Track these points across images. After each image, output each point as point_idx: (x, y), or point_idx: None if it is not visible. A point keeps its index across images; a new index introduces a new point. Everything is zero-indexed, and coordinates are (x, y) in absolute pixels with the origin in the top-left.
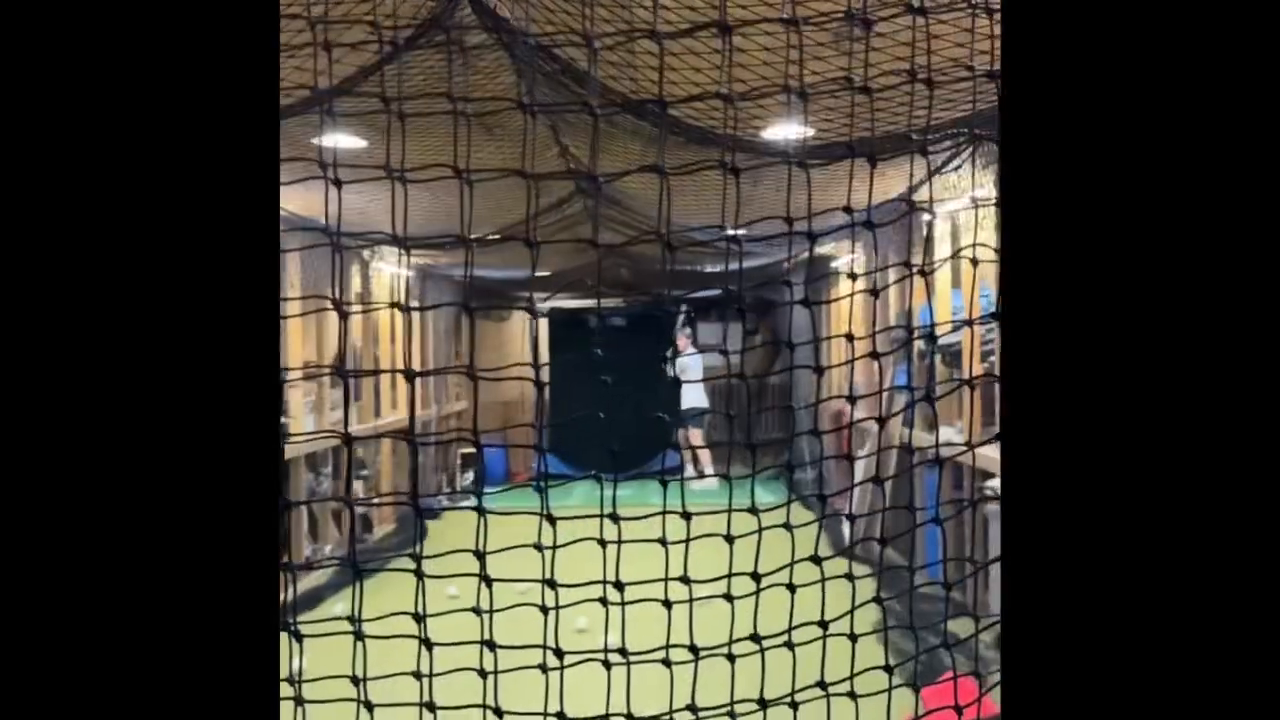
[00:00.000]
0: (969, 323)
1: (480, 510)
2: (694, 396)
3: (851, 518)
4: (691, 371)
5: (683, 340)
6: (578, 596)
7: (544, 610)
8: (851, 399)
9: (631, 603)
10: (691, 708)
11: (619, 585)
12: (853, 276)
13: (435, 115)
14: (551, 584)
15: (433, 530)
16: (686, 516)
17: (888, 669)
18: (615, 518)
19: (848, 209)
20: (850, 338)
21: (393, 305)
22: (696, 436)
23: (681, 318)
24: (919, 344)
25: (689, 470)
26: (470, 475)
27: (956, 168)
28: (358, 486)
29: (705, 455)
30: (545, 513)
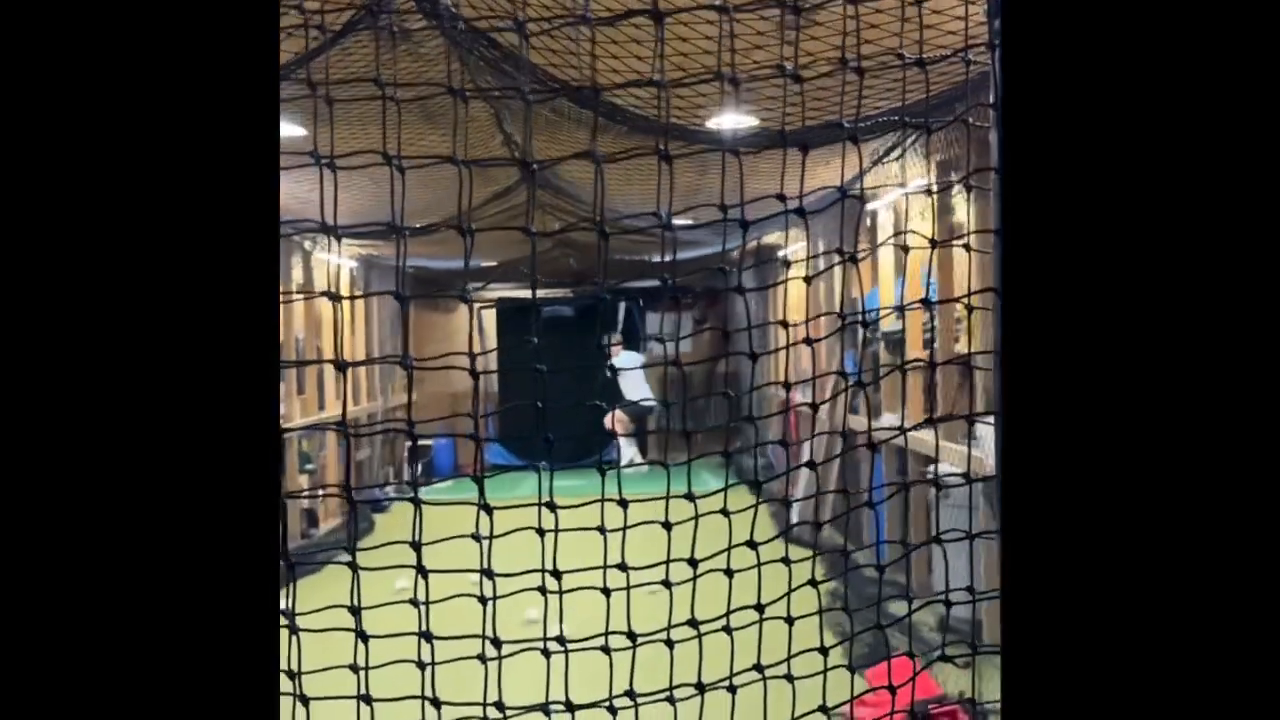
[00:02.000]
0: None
1: (416, 501)
2: (635, 388)
3: (788, 501)
4: (628, 364)
5: (616, 348)
6: (518, 586)
7: (482, 600)
8: (787, 385)
9: (570, 591)
10: (630, 694)
11: (557, 574)
12: (787, 264)
13: (374, 106)
14: (489, 574)
15: (380, 523)
16: (623, 504)
17: (823, 650)
18: (552, 506)
19: (780, 196)
20: (786, 324)
21: (325, 294)
22: (630, 423)
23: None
24: (863, 332)
25: (623, 457)
26: (419, 468)
27: (897, 158)
28: (303, 481)
29: (634, 440)
30: (482, 503)
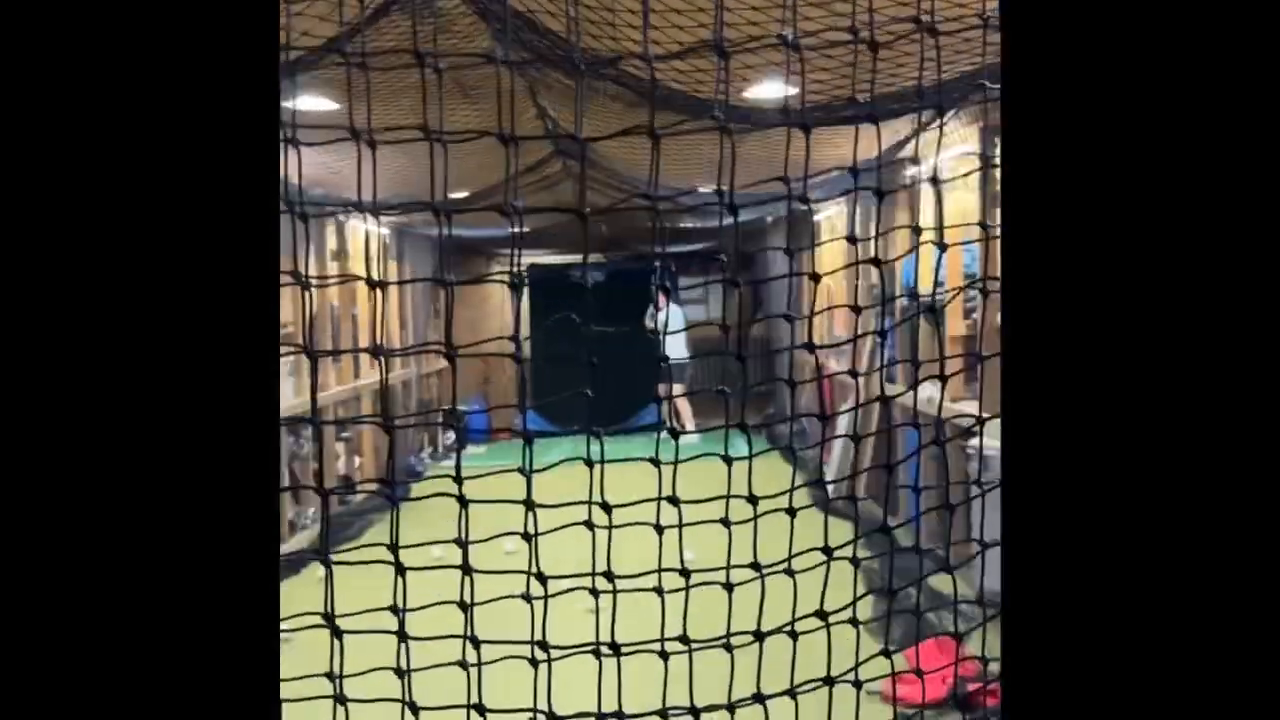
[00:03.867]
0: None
1: (458, 479)
2: (674, 349)
3: (821, 475)
4: (672, 325)
5: (661, 298)
6: (566, 570)
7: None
8: (812, 348)
9: (624, 579)
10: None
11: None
12: (787, 240)
13: (409, 78)
14: (529, 537)
15: (415, 490)
16: (656, 464)
17: (854, 623)
18: (589, 462)
19: (781, 177)
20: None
21: (364, 279)
22: (677, 389)
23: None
24: (901, 301)
25: (668, 424)
26: (451, 434)
27: (941, 125)
28: (339, 447)
29: (685, 408)
30: (522, 467)
